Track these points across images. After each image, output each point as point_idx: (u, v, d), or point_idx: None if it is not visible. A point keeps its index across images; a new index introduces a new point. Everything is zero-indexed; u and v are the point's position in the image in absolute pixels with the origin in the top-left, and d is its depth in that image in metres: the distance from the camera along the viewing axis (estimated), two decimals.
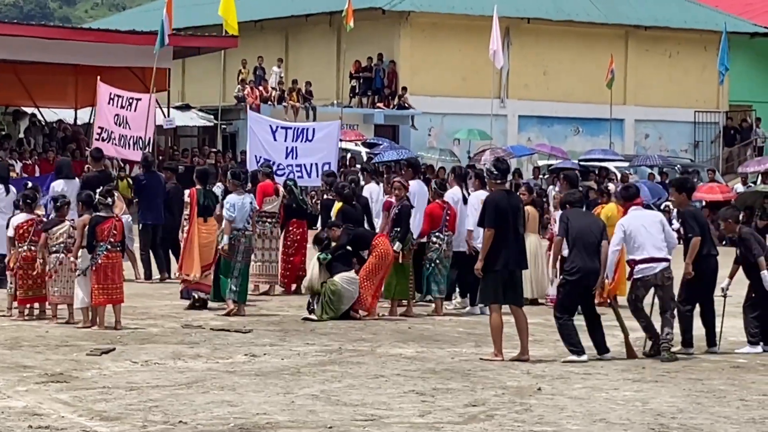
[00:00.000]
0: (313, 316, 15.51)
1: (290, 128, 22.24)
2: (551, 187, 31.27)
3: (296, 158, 21.46)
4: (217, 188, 18.99)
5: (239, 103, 38.14)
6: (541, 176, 36.36)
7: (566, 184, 17.36)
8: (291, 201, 18.55)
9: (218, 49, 37.91)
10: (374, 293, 15.89)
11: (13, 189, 17.79)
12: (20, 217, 15.19)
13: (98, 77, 24.11)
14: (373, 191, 18.30)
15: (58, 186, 18.14)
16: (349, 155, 36.04)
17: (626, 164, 38.60)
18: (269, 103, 38.67)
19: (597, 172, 36.32)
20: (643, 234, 12.94)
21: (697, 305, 13.50)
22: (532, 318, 13.36)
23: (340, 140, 36.44)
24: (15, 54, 32.45)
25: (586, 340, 12.80)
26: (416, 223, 16.59)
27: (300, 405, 10.07)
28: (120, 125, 23.17)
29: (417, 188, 17.23)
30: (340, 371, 11.75)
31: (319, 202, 21.94)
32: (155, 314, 15.79)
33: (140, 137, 23.41)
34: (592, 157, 39.18)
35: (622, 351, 12.97)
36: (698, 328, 13.55)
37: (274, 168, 20.35)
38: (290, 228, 18.56)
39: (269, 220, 18.21)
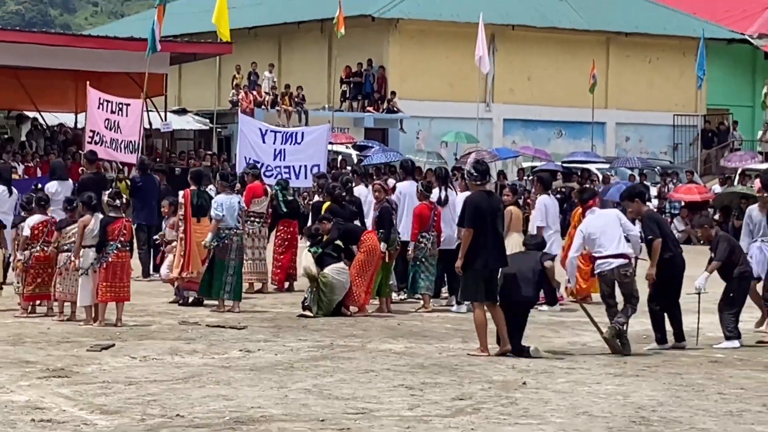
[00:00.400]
0: (308, 313, 15.51)
1: (280, 132, 22.28)
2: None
3: (284, 160, 21.49)
4: (212, 190, 18.98)
5: (234, 107, 38.11)
6: (525, 177, 36.37)
7: (540, 186, 17.38)
8: (276, 205, 18.57)
9: (213, 55, 37.93)
10: (366, 289, 15.90)
11: (15, 191, 17.76)
12: (36, 218, 15.23)
13: (87, 83, 24.04)
14: (361, 193, 18.32)
15: (52, 187, 18.10)
16: (340, 157, 36.07)
17: (607, 166, 38.62)
18: (263, 107, 38.67)
19: (579, 174, 36.40)
20: (601, 234, 12.95)
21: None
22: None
23: (331, 143, 36.67)
24: (18, 60, 32.43)
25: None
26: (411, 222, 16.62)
27: (293, 399, 10.07)
28: (111, 129, 23.14)
29: (409, 189, 17.25)
30: (332, 366, 11.74)
31: (311, 203, 21.95)
32: (153, 311, 15.78)
33: (131, 141, 23.38)
34: (574, 159, 39.21)
35: (598, 347, 12.98)
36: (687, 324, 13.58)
37: (263, 169, 20.39)
38: (280, 227, 18.58)
39: (258, 219, 18.23)
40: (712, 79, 43.43)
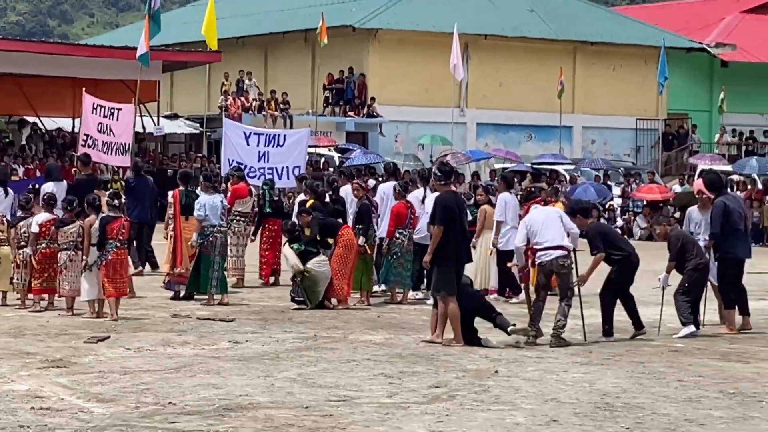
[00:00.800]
0: (304, 306, 15.49)
1: (263, 134, 22.25)
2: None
3: (268, 162, 21.48)
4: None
5: (223, 112, 38.04)
6: (497, 178, 36.36)
7: (503, 185, 17.40)
8: (262, 204, 18.56)
9: (203, 63, 37.88)
10: (348, 282, 15.90)
11: (11, 191, 17.66)
12: (43, 216, 15.17)
13: (83, 89, 23.94)
14: (348, 192, 18.34)
15: (48, 188, 18.04)
16: (323, 159, 36.05)
17: (574, 167, 38.68)
18: (250, 112, 38.60)
19: (548, 175, 36.46)
20: (543, 226, 12.92)
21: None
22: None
23: (315, 146, 36.65)
24: (18, 68, 32.33)
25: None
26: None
27: (279, 387, 10.05)
28: (103, 133, 23.06)
29: (390, 190, 17.25)
30: (316, 356, 11.73)
31: (295, 201, 21.94)
32: (147, 305, 15.73)
33: (122, 144, 23.33)
34: (543, 161, 39.27)
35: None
36: (653, 316, 13.60)
37: (247, 171, 20.38)
38: (266, 225, 18.56)
39: (243, 219, 18.21)
40: (672, 86, 43.54)
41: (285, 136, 22.43)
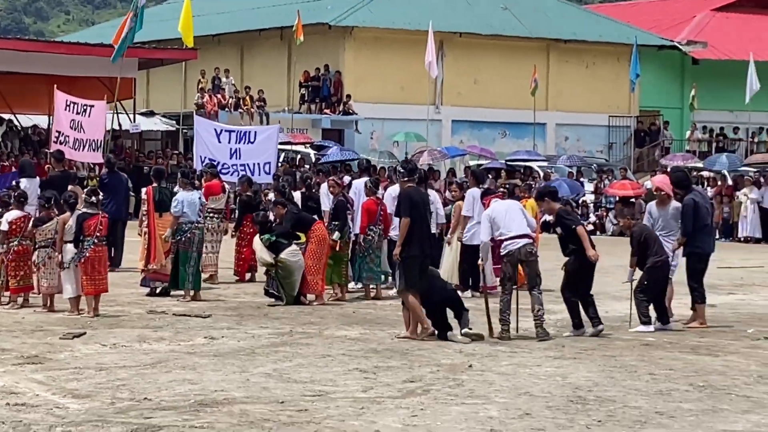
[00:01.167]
0: (279, 303, 15.48)
1: (234, 131, 22.25)
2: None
3: (240, 158, 21.49)
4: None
5: (199, 109, 37.96)
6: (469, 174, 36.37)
7: (473, 180, 17.43)
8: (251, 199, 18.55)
9: (180, 60, 37.74)
10: (322, 277, 15.90)
11: None
12: (14, 214, 15.05)
13: (55, 86, 23.84)
14: (326, 189, 18.37)
15: (21, 184, 17.93)
16: (299, 156, 36.03)
17: (548, 164, 38.78)
18: (226, 109, 38.52)
19: (522, 171, 36.53)
20: (506, 217, 12.94)
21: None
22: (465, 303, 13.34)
23: (291, 143, 36.61)
24: None
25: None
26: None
27: (254, 382, 10.04)
28: (75, 129, 22.99)
29: (362, 186, 17.27)
30: (291, 351, 11.72)
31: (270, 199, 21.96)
32: (122, 301, 15.67)
33: (94, 140, 23.28)
34: (517, 157, 39.36)
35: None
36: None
37: (220, 167, 20.37)
38: (245, 222, 18.51)
39: (216, 215, 18.20)
40: (644, 83, 43.70)
41: (255, 132, 22.45)
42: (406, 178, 12.96)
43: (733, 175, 34.66)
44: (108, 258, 15.30)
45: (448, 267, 16.66)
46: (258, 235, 15.97)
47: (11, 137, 35.77)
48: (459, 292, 13.90)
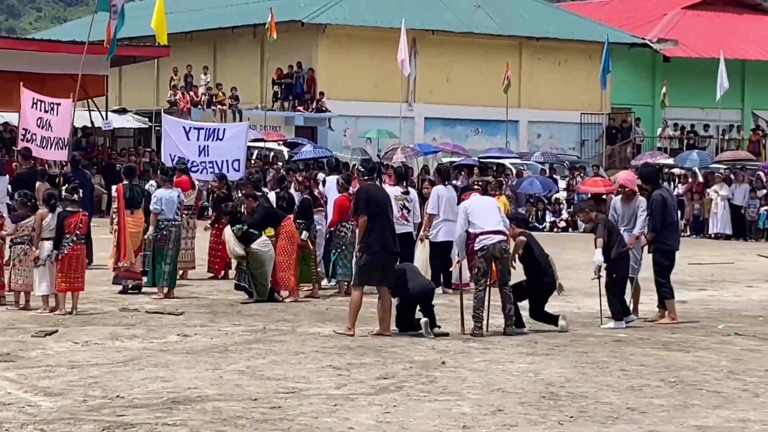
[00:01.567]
0: (250, 300, 15.45)
1: (202, 128, 22.20)
2: (455, 181, 31.34)
3: (208, 155, 21.46)
4: (153, 186, 18.84)
5: (172, 107, 37.83)
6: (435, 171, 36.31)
7: (438, 177, 17.47)
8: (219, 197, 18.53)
9: (152, 57, 37.60)
10: (294, 273, 15.89)
11: None
12: None
13: (21, 83, 23.70)
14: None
15: None
16: (272, 154, 35.97)
17: (520, 161, 38.85)
18: (199, 106, 38.40)
19: (495, 168, 36.59)
20: (482, 212, 12.99)
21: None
22: (435, 299, 13.36)
23: (264, 140, 36.54)
24: None
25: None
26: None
27: (227, 380, 10.01)
28: (42, 127, 22.87)
29: (334, 183, 17.26)
30: (264, 349, 11.70)
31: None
32: (95, 299, 15.60)
33: (61, 138, 23.18)
34: (490, 154, 39.42)
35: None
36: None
37: (189, 165, 20.33)
38: (222, 220, 18.46)
39: (186, 212, 18.15)
40: (616, 81, 43.85)
41: (224, 129, 22.43)
42: (366, 177, 12.99)
43: (704, 172, 34.83)
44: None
45: (421, 264, 16.67)
46: (228, 226, 15.93)
47: None
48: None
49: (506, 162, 37.90)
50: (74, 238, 14.17)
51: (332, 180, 17.44)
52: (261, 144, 36.82)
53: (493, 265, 13.07)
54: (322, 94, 40.64)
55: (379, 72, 40.89)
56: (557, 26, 45.51)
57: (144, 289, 16.26)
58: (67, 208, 14.34)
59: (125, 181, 16.61)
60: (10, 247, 14.55)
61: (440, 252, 16.65)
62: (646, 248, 14.25)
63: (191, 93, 38.72)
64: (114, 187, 16.85)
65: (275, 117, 39.93)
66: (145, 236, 15.97)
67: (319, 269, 16.81)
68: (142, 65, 39.34)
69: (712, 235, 31.94)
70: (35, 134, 22.76)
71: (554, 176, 37.11)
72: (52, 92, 25.10)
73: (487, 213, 12.96)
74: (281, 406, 8.94)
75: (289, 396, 9.35)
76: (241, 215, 16.00)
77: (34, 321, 13.52)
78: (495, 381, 10.12)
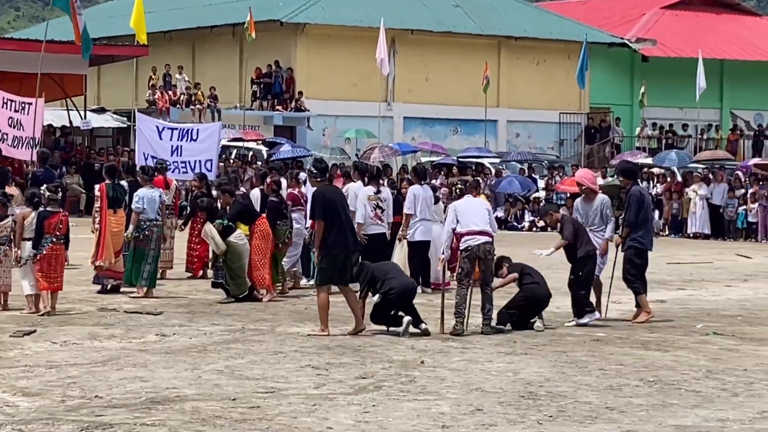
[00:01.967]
0: (229, 300, 15.41)
1: (176, 129, 22.21)
2: (433, 180, 31.37)
3: (181, 155, 21.46)
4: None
5: (150, 106, 37.73)
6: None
7: (415, 177, 17.48)
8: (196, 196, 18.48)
9: (131, 57, 37.46)
10: (269, 271, 15.89)
11: None
12: None
13: None
14: (283, 187, 18.33)
15: None
16: (250, 153, 35.92)
17: (499, 160, 38.90)
18: (178, 106, 38.31)
19: (474, 168, 36.63)
20: (470, 213, 13.05)
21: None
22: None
23: (242, 140, 36.48)
24: None
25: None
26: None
27: (206, 379, 10.00)
28: (13, 127, 22.81)
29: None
30: (243, 348, 11.68)
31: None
32: (73, 299, 15.55)
33: (31, 137, 23.13)
34: (469, 154, 39.47)
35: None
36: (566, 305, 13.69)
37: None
38: (198, 219, 18.42)
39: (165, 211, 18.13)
40: (595, 80, 43.93)
41: (198, 130, 22.45)
42: (318, 179, 12.99)
43: (683, 171, 34.96)
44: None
45: (400, 264, 16.66)
46: (207, 222, 15.89)
47: None
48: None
49: (485, 161, 37.96)
50: (53, 239, 14.13)
51: (358, 185, 17.27)
52: (240, 144, 36.76)
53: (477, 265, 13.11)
54: (301, 93, 40.61)
55: (358, 71, 40.88)
56: (536, 26, 45.59)
57: (122, 289, 16.21)
58: (48, 208, 14.27)
59: (107, 181, 16.55)
60: None
61: (418, 251, 16.66)
62: (619, 247, 14.24)
63: (170, 92, 38.63)
64: (97, 187, 16.78)
65: (254, 116, 39.87)
66: (125, 234, 15.93)
67: (295, 269, 16.81)
68: (120, 64, 39.22)
69: (691, 235, 32.07)
70: (6, 134, 22.70)
71: (533, 176, 37.18)
72: (29, 92, 25.01)
73: (474, 213, 13.01)
74: (260, 406, 8.93)
75: (268, 396, 9.34)
76: (217, 210, 16.00)
77: (13, 321, 13.46)
78: (474, 380, 10.12)
